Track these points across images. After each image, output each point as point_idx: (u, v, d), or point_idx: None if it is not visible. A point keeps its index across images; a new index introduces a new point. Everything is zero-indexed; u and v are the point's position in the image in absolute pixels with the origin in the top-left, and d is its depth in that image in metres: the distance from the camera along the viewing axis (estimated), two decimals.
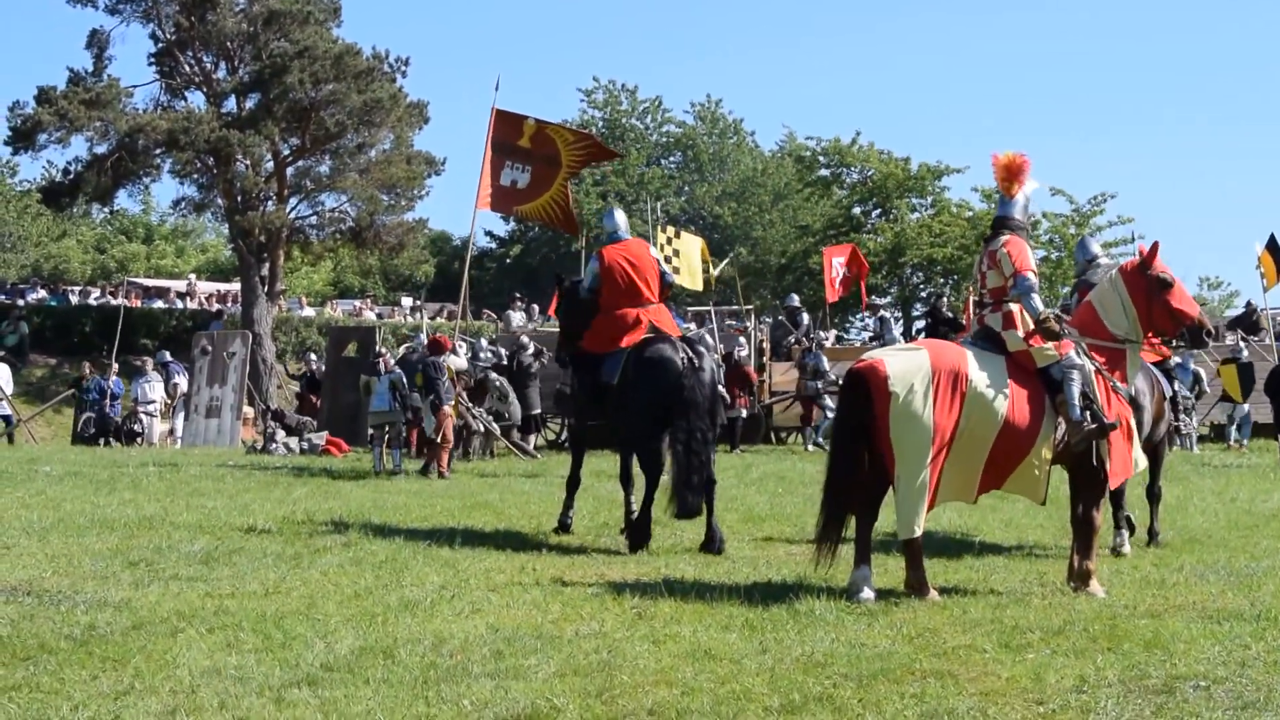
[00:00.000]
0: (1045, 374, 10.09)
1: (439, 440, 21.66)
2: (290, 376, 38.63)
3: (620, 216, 14.48)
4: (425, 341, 24.20)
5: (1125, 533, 12.69)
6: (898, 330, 38.58)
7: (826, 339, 35.00)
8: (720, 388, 14.16)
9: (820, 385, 29.03)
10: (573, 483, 14.40)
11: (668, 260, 27.79)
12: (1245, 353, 30.60)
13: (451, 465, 21.81)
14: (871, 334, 33.10)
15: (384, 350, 27.48)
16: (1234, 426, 29.87)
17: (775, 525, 13.65)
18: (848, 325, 56.06)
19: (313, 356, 35.86)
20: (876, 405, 9.79)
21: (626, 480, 13.92)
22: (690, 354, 13.18)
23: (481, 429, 24.98)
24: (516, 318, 33.86)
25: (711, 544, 12.65)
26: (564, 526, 14.01)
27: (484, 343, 29.95)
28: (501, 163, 24.39)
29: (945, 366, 9.82)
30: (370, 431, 23.98)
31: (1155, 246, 10.59)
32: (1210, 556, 12.10)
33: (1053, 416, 10.02)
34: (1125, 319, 10.52)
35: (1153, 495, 13.49)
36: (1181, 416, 13.33)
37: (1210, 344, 11.30)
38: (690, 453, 12.76)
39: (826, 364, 29.43)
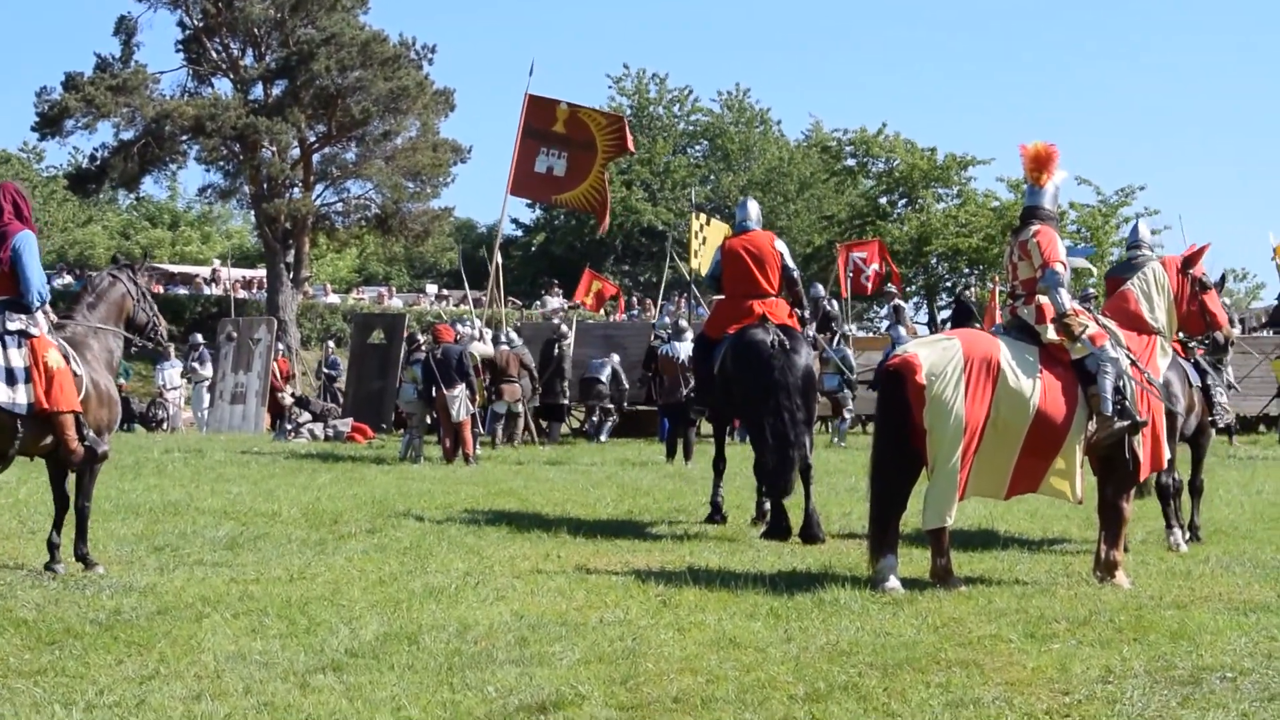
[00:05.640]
0: (1080, 365, 10.05)
1: (462, 421, 21.42)
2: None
3: (753, 207, 14.52)
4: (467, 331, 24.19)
5: (1178, 531, 12.29)
6: (921, 316, 38.42)
7: (850, 329, 34.71)
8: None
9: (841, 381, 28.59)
10: (719, 463, 14.48)
11: (701, 245, 27.89)
12: None
13: (476, 450, 21.59)
14: (888, 323, 32.89)
15: (421, 338, 27.41)
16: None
17: (800, 514, 13.60)
18: (871, 317, 55.86)
19: (331, 345, 35.93)
20: (911, 398, 9.77)
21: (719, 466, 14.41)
22: (782, 337, 13.18)
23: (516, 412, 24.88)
24: (553, 303, 33.69)
25: (809, 529, 12.72)
26: (716, 508, 14.07)
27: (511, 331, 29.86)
28: (536, 149, 24.20)
29: (978, 356, 9.79)
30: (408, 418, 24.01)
31: (1203, 249, 10.80)
32: (1236, 548, 12.07)
33: (1085, 408, 9.99)
34: (1164, 313, 10.57)
35: (1194, 489, 13.16)
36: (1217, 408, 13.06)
37: (1229, 353, 11.30)
38: (778, 433, 12.83)
39: (852, 358, 28.82)
